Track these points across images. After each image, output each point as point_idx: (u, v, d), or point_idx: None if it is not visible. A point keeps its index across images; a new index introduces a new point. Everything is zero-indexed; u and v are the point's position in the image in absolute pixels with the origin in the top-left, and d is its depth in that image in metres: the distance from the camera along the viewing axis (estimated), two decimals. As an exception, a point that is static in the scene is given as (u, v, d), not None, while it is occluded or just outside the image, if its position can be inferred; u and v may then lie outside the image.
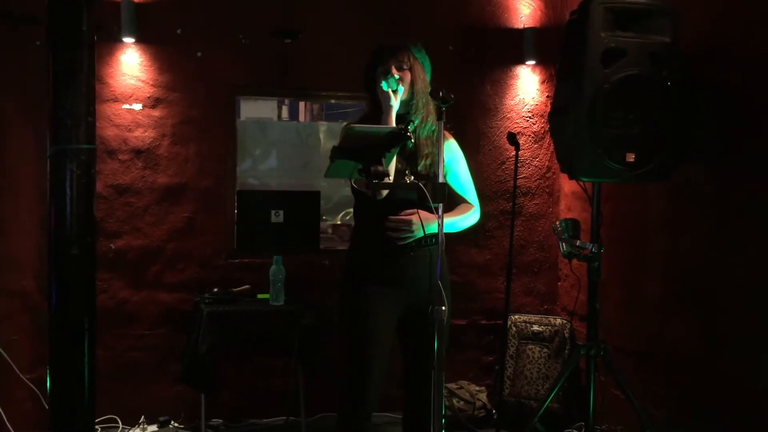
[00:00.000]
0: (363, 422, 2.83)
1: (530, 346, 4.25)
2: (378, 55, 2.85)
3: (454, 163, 2.93)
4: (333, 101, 4.83)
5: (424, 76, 2.86)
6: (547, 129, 4.44)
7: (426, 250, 2.79)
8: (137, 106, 4.06)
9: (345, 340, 2.85)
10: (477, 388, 4.32)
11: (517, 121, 4.53)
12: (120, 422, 3.99)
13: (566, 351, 4.16)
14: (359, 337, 2.79)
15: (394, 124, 2.68)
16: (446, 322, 2.38)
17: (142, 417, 4.01)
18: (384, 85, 2.73)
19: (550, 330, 4.23)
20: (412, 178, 2.76)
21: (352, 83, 4.35)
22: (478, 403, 4.22)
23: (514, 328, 4.30)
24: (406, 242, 2.76)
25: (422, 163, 2.81)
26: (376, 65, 2.83)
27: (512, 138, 3.59)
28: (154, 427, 4.00)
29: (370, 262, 2.83)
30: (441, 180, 2.34)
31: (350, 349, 2.83)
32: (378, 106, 2.78)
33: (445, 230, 2.41)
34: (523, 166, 4.51)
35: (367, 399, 2.80)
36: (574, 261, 3.38)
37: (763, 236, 2.89)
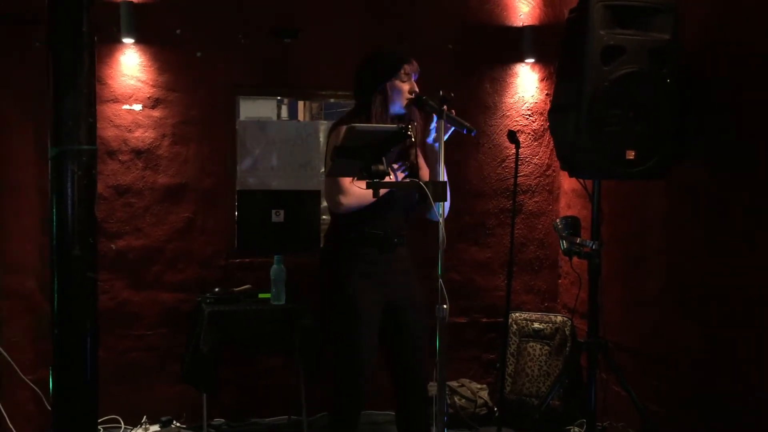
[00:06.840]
0: (358, 413, 2.89)
1: (531, 344, 4.26)
2: (396, 62, 2.87)
3: None
4: (332, 100, 4.84)
5: None
6: (546, 127, 4.44)
7: (404, 248, 2.91)
8: (137, 107, 4.06)
9: (335, 334, 2.89)
10: (478, 386, 4.33)
11: (517, 119, 4.53)
12: (122, 422, 3.99)
13: (567, 348, 4.17)
14: (350, 330, 2.82)
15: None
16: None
17: (144, 417, 4.02)
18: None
19: (550, 327, 4.24)
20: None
21: (351, 82, 4.37)
22: (480, 401, 4.22)
23: (514, 326, 4.31)
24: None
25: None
26: (395, 70, 2.86)
27: (512, 136, 3.60)
28: (157, 427, 4.01)
29: (358, 258, 2.83)
30: (443, 178, 2.35)
31: (341, 343, 2.87)
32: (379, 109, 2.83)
33: None
34: (523, 163, 4.51)
35: (361, 389, 2.84)
36: (575, 258, 3.38)
37: (763, 234, 2.90)
